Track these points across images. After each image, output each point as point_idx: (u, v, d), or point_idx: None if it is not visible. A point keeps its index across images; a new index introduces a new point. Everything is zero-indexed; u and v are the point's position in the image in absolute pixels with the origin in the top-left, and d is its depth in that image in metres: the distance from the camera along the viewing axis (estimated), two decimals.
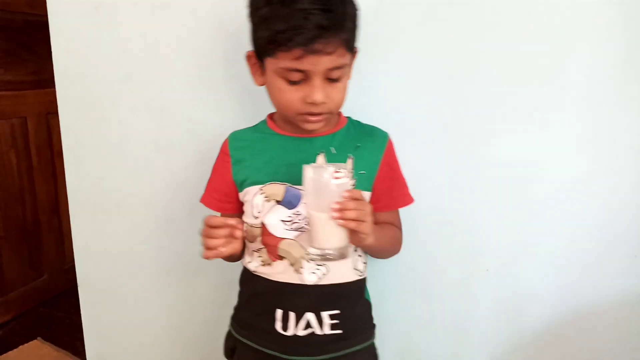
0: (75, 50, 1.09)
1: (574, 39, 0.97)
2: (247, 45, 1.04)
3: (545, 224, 1.05)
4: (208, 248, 0.79)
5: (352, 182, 0.78)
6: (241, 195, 0.92)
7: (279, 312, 0.88)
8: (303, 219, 0.86)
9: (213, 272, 1.16)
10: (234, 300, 1.17)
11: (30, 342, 1.99)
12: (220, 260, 1.15)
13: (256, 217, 0.89)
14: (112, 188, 1.15)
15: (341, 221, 0.74)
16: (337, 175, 0.74)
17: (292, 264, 0.87)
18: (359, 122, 0.97)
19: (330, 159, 0.79)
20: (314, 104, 0.80)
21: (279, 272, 0.88)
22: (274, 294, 0.88)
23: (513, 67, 0.99)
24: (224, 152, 0.95)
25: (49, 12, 1.09)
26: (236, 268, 1.14)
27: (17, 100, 2.12)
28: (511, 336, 1.11)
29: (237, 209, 0.94)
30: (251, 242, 0.91)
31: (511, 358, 1.12)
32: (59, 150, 2.27)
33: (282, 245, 0.87)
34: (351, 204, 0.74)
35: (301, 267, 0.87)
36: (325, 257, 0.77)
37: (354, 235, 0.78)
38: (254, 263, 0.91)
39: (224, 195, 0.94)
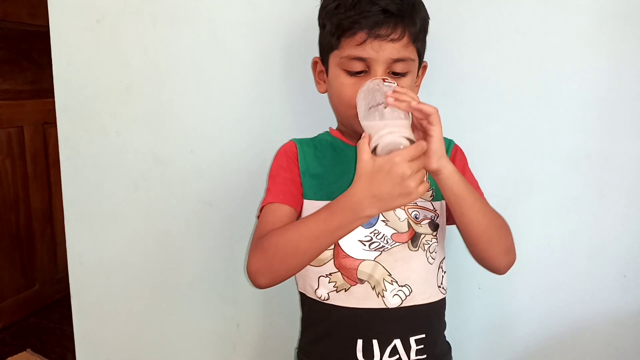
0: (76, 62, 1.10)
1: (566, 60, 0.99)
2: (248, 60, 1.05)
3: (536, 243, 1.06)
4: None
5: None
6: (304, 203, 0.86)
7: (359, 343, 0.80)
8: (382, 238, 0.80)
9: (208, 285, 1.16)
10: (229, 313, 1.16)
11: (20, 354, 1.97)
12: (216, 273, 1.16)
13: None
14: (109, 199, 1.15)
15: (397, 102, 0.67)
16: (388, 82, 0.71)
17: (373, 288, 0.80)
18: None
19: None
20: None
21: (357, 298, 0.80)
22: (353, 322, 0.81)
23: (505, 86, 1.01)
24: (290, 150, 0.88)
25: (51, 24, 1.10)
26: (231, 282, 1.14)
27: (14, 109, 2.12)
28: (502, 354, 1.11)
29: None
30: (317, 266, 0.82)
31: None
32: (54, 159, 2.28)
33: (362, 268, 0.80)
34: (403, 90, 0.69)
35: (384, 290, 0.80)
36: (387, 148, 0.66)
37: (425, 156, 0.67)
38: (322, 290, 0.82)
39: (298, 186, 0.85)
